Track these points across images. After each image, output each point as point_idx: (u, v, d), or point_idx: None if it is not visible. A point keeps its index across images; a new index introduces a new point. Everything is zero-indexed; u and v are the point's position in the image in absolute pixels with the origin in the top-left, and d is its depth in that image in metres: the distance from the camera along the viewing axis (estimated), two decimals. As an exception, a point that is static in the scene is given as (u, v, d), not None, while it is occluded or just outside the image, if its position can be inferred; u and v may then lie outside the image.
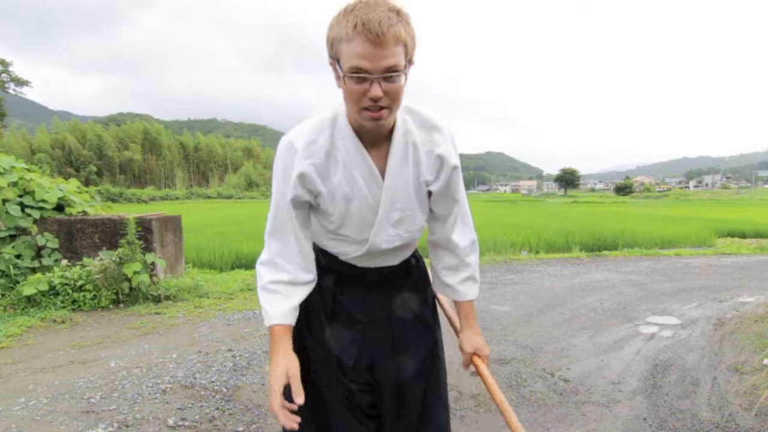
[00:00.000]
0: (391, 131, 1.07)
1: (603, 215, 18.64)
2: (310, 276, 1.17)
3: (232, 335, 3.62)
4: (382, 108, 0.96)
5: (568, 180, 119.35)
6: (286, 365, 1.05)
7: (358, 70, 0.92)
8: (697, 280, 5.89)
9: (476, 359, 1.26)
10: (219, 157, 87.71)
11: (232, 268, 7.50)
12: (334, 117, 1.07)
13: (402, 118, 1.08)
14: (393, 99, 0.96)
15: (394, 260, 1.27)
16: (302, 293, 1.15)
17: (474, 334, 1.28)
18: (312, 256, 1.18)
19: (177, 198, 58.34)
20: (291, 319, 1.12)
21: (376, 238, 1.14)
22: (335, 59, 0.97)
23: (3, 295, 4.31)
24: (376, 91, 0.93)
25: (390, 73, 0.93)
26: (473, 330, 1.28)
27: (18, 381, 2.77)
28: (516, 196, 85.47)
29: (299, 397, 1.02)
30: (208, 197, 61.54)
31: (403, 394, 1.27)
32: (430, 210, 1.22)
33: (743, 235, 12.75)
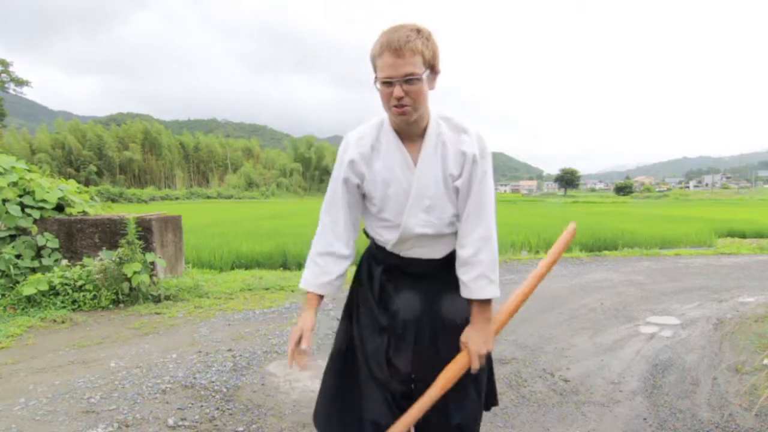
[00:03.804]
0: (425, 130, 1.30)
1: (603, 215, 18.64)
2: (349, 251, 1.39)
3: (232, 335, 3.62)
4: (405, 105, 1.20)
5: (568, 180, 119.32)
6: (304, 324, 1.31)
7: (385, 77, 1.18)
8: (697, 280, 5.89)
9: (462, 353, 1.32)
10: (219, 157, 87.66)
11: (232, 268, 7.50)
12: (381, 121, 1.34)
13: (437, 122, 1.31)
14: (414, 98, 1.20)
15: (434, 252, 1.38)
16: (340, 267, 1.38)
17: (474, 330, 1.32)
18: (354, 234, 1.40)
19: (177, 198, 58.32)
20: (323, 290, 1.37)
21: (409, 220, 1.31)
22: (375, 73, 1.23)
23: (3, 295, 4.31)
24: (398, 91, 1.18)
25: (409, 77, 1.17)
26: (474, 327, 1.33)
27: (18, 381, 2.77)
28: (516, 196, 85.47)
29: (305, 342, 1.29)
30: (208, 197, 61.50)
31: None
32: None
33: (743, 235, 12.75)
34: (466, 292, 1.32)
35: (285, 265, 8.08)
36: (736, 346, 3.35)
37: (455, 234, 1.36)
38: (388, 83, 1.18)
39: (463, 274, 1.32)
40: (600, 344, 3.46)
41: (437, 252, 1.37)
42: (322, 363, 3.10)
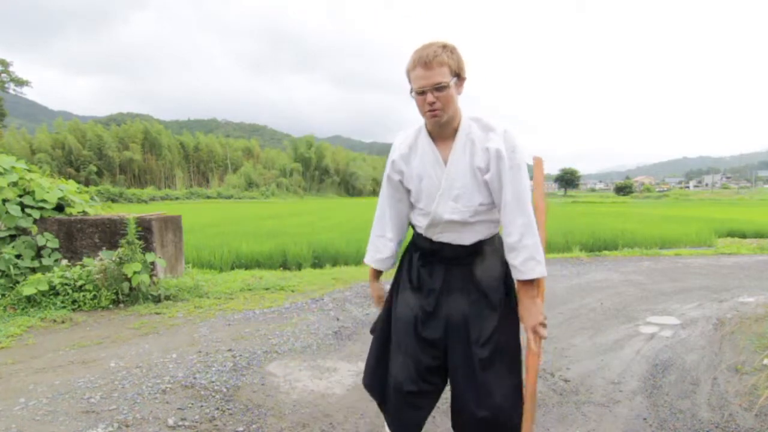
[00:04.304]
0: (456, 130, 1.50)
1: (603, 215, 18.63)
2: (393, 235, 1.70)
3: (232, 335, 3.62)
4: (436, 110, 1.43)
5: (568, 180, 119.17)
6: (374, 292, 1.82)
7: (418, 87, 1.42)
8: (697, 280, 5.89)
9: (528, 334, 1.48)
10: (219, 157, 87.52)
11: (232, 268, 7.50)
12: (420, 126, 1.59)
13: (468, 123, 1.51)
14: (444, 103, 1.42)
15: (463, 239, 1.55)
16: (389, 249, 1.72)
17: (524, 310, 1.49)
18: (399, 222, 1.69)
19: (177, 198, 58.27)
20: (377, 265, 1.75)
21: (438, 207, 1.52)
22: (410, 84, 1.45)
23: (3, 295, 4.31)
24: (430, 98, 1.41)
25: (438, 86, 1.40)
26: (523, 306, 1.50)
27: (18, 381, 2.77)
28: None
29: (378, 302, 1.80)
30: (208, 197, 61.43)
31: (469, 362, 1.51)
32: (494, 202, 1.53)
33: (743, 235, 12.75)
34: (517, 275, 1.49)
35: (285, 265, 8.08)
36: (736, 346, 3.35)
37: (482, 223, 1.54)
38: (421, 92, 1.41)
39: (513, 258, 1.48)
40: (600, 344, 3.46)
41: (466, 239, 1.55)
42: (323, 362, 3.10)
